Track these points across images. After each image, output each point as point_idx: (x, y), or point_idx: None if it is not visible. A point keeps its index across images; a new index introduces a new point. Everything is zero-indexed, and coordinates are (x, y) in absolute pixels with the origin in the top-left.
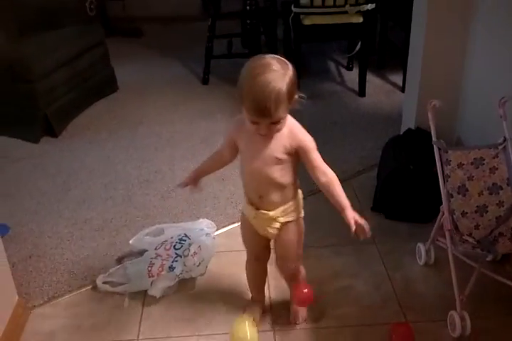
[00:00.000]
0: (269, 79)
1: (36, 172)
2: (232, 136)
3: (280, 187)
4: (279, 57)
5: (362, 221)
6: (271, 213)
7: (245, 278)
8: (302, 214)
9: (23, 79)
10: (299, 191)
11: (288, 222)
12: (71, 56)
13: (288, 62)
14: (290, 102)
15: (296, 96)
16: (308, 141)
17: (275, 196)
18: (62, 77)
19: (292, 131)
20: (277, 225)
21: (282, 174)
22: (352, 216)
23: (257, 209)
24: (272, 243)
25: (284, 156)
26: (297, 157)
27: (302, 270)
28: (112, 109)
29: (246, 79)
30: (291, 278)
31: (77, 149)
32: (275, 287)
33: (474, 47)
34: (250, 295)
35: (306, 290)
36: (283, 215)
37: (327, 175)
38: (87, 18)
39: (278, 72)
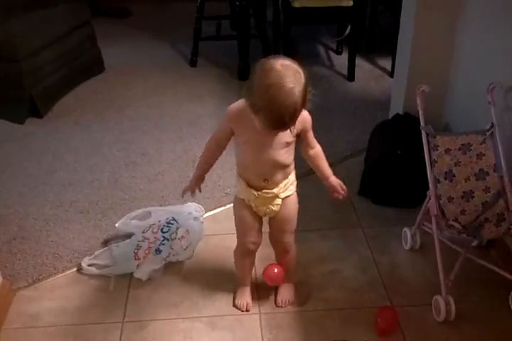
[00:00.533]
0: (286, 97)
1: (21, 153)
2: (231, 126)
3: (284, 167)
4: (291, 63)
5: (344, 186)
6: (275, 190)
7: (231, 261)
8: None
9: (9, 59)
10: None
11: (288, 196)
12: (57, 36)
13: (300, 70)
14: (304, 107)
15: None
16: (309, 121)
17: (279, 176)
18: (49, 56)
19: None
20: (279, 201)
21: (288, 155)
22: (337, 182)
23: (258, 190)
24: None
25: (292, 139)
26: (299, 136)
27: (294, 245)
28: (99, 90)
29: (261, 96)
30: (285, 253)
31: (63, 130)
32: (262, 270)
33: (464, 34)
34: (236, 280)
35: (276, 270)
36: (284, 190)
37: (315, 148)
38: None
39: (294, 88)
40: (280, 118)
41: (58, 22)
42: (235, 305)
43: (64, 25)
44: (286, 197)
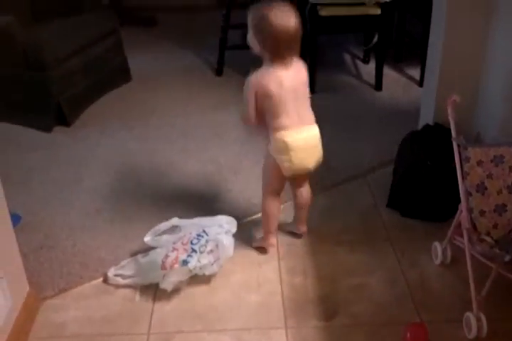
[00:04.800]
0: (289, 21)
1: (48, 161)
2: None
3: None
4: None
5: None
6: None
7: (257, 273)
8: None
9: (37, 67)
10: None
11: None
12: (85, 44)
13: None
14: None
15: None
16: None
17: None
18: (76, 64)
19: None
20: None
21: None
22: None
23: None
24: None
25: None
26: None
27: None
28: (125, 98)
29: (269, 28)
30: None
31: (90, 139)
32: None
33: (495, 42)
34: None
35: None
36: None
37: None
38: (101, 6)
39: (292, 15)
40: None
41: (86, 30)
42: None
43: (91, 34)
44: None
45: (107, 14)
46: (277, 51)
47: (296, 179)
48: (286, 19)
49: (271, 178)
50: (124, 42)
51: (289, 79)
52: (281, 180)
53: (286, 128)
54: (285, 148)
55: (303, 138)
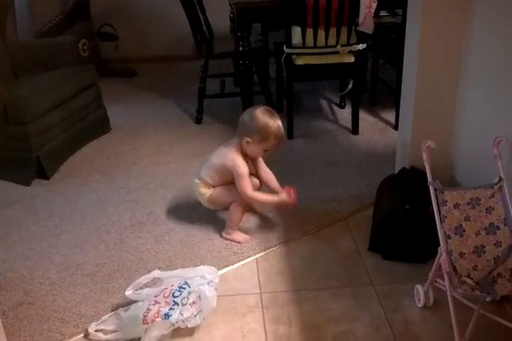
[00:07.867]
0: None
1: (28, 215)
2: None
3: None
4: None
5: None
6: None
7: (241, 324)
8: None
9: (16, 122)
10: None
11: None
12: (64, 97)
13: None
14: None
15: None
16: None
17: None
18: (55, 118)
19: None
20: None
21: None
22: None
23: None
24: None
25: None
26: None
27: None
28: (105, 149)
29: (268, 126)
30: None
31: (69, 191)
32: None
33: (468, 88)
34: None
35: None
36: None
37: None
38: (80, 59)
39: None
40: (283, 136)
41: (65, 84)
42: (241, 240)
43: (71, 88)
44: None
45: (86, 68)
46: None
47: None
48: None
49: None
50: (103, 93)
51: None
52: None
53: None
54: None
55: None
